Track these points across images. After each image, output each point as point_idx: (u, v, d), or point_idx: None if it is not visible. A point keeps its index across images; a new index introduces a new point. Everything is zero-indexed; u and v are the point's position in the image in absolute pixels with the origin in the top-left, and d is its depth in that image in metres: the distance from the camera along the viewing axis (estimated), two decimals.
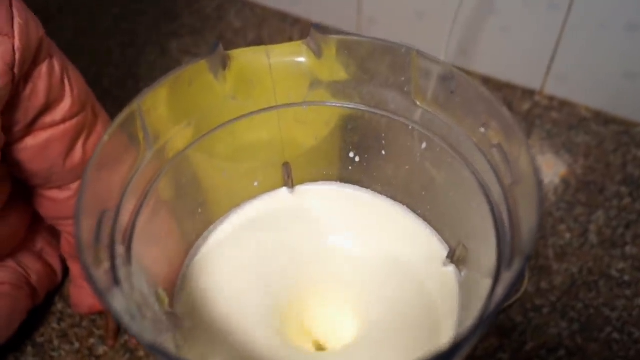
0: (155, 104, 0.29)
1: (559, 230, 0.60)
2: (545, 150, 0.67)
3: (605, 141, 0.67)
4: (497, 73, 0.72)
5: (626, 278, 0.57)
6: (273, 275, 0.34)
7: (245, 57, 0.32)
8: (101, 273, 0.23)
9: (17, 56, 0.37)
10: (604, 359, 0.52)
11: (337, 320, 0.33)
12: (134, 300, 0.25)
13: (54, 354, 0.54)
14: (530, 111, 0.70)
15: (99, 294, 0.22)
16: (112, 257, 0.25)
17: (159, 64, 0.79)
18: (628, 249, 0.59)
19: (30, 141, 0.42)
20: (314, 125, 0.35)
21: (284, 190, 0.38)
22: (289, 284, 0.34)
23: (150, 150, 0.30)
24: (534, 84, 0.71)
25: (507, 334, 0.54)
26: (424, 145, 0.32)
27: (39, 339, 0.55)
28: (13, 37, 0.37)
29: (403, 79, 0.31)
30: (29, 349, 0.54)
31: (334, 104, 0.33)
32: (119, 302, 0.23)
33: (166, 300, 0.30)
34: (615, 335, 0.53)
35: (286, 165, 0.36)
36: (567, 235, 0.60)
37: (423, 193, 0.35)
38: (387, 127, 0.33)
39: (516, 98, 0.72)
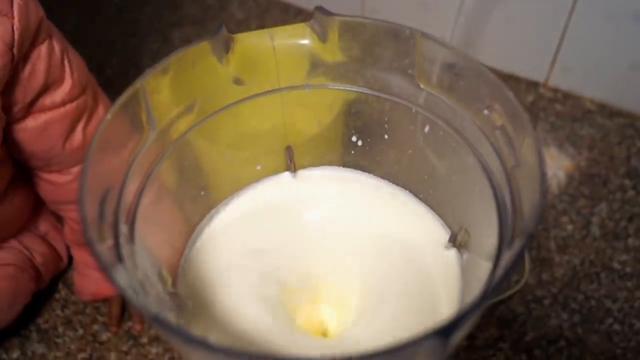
0: (159, 85, 0.29)
1: (561, 222, 0.60)
2: (548, 143, 0.66)
3: (609, 134, 0.67)
4: (501, 65, 0.72)
5: (628, 270, 0.57)
6: (274, 259, 0.34)
7: (249, 40, 0.32)
8: (105, 249, 0.23)
9: (16, 36, 0.37)
10: (604, 350, 0.52)
11: (339, 303, 0.33)
12: (137, 278, 0.25)
13: (59, 340, 0.54)
14: (534, 103, 0.70)
15: (103, 269, 0.22)
16: (116, 235, 0.25)
17: (162, 53, 0.79)
18: (630, 241, 0.59)
19: (30, 122, 0.42)
20: (316, 109, 0.35)
21: (287, 174, 0.38)
22: (290, 268, 0.34)
23: (154, 131, 0.30)
24: (538, 75, 0.71)
25: (507, 324, 0.54)
26: (427, 128, 0.32)
27: (44, 325, 0.55)
28: (12, 17, 0.37)
29: (407, 61, 0.31)
30: (34, 334, 0.55)
31: (336, 87, 0.33)
32: (122, 279, 0.23)
33: (169, 281, 0.30)
34: (616, 327, 0.53)
35: (288, 149, 0.36)
36: (570, 227, 0.60)
37: (425, 177, 0.35)
38: (390, 111, 0.33)
39: (520, 90, 0.71)
